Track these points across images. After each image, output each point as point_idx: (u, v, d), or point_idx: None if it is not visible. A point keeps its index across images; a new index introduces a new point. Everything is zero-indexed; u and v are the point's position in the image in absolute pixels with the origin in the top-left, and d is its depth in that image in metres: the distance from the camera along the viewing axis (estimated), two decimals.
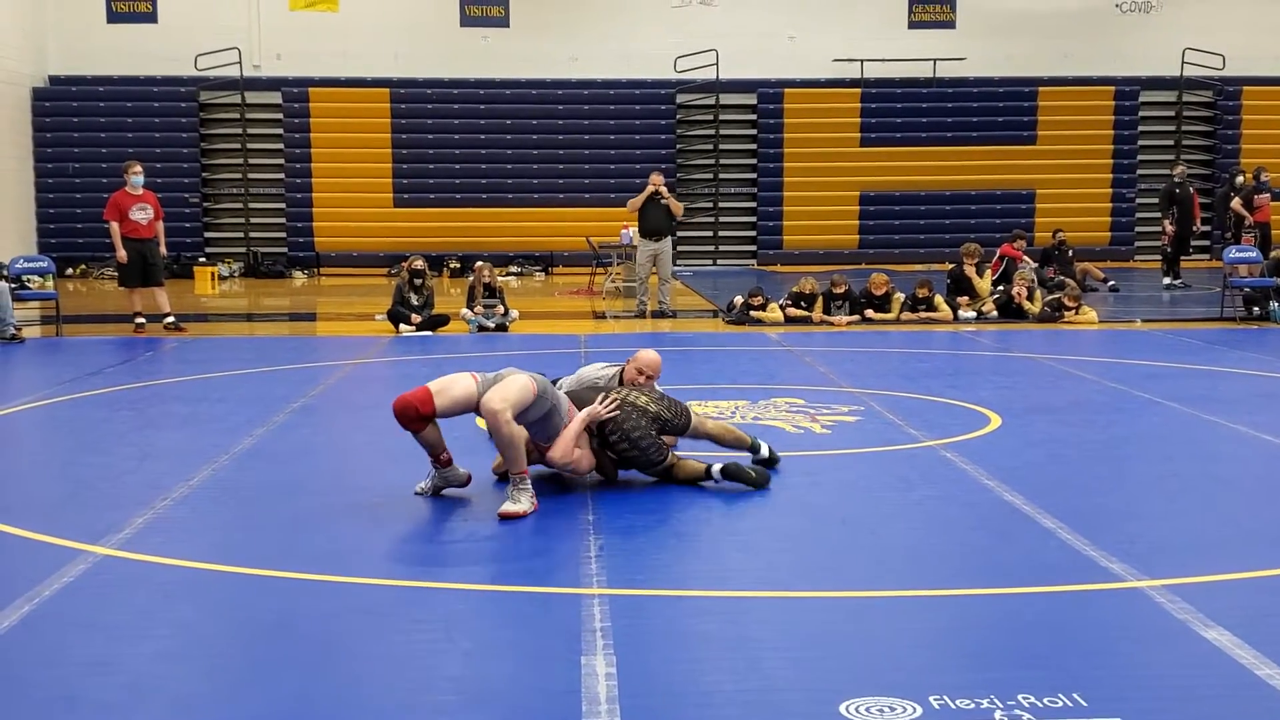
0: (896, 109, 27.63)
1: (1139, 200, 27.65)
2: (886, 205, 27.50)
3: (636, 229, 17.37)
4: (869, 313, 16.10)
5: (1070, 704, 3.98)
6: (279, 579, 5.40)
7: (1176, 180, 21.70)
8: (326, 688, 4.24)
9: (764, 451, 7.35)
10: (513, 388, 6.47)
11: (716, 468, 6.88)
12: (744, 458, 7.18)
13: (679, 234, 25.85)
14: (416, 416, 6.56)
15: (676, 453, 7.13)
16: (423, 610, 5.00)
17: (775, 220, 27.62)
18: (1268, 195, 21.09)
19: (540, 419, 6.63)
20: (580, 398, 7.04)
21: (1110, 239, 27.58)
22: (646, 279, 17.31)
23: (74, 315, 16.73)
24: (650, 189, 16.86)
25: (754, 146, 27.97)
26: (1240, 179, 21.53)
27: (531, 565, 5.71)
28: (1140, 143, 28.07)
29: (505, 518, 6.30)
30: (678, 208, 17.36)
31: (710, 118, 28.08)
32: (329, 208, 26.92)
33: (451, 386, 6.63)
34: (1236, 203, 20.98)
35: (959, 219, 27.02)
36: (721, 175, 28.17)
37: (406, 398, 6.58)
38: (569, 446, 6.70)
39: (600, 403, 6.82)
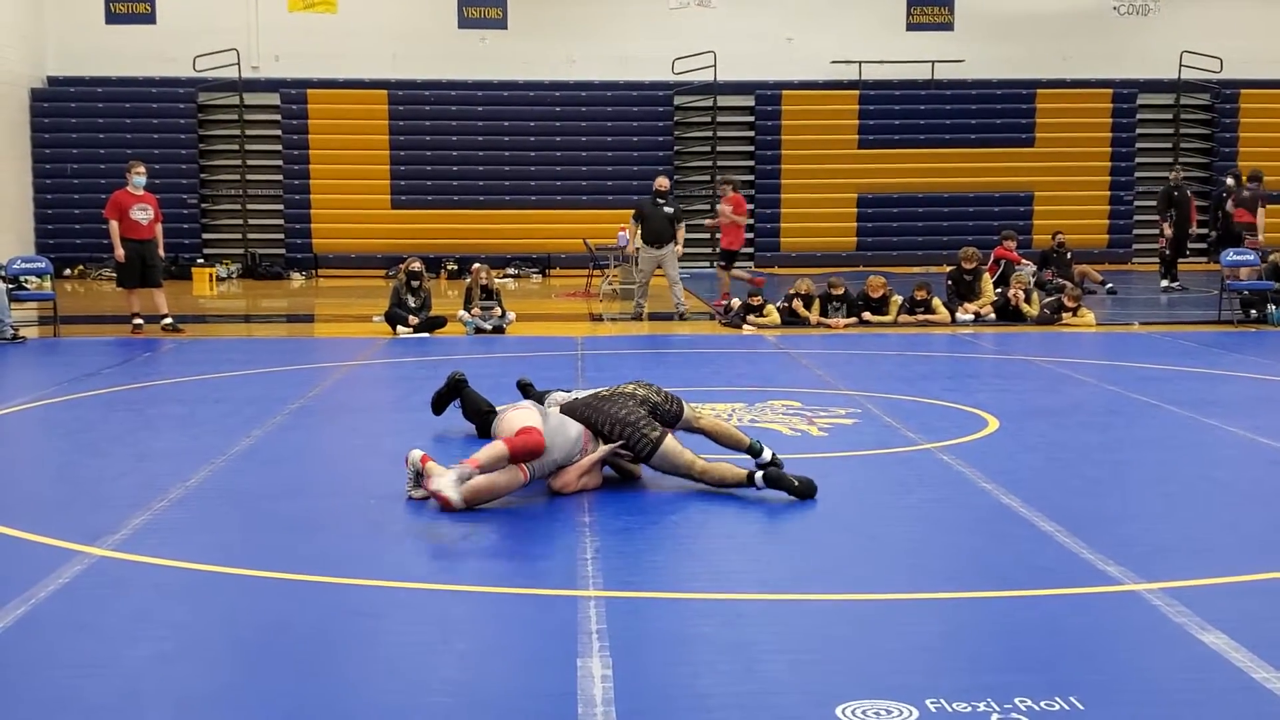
0: (894, 111, 27.63)
1: (1136, 203, 27.67)
2: (884, 207, 27.51)
3: (639, 233, 17.19)
4: (866, 315, 16.09)
5: (1067, 707, 3.97)
6: (275, 580, 5.40)
7: (1174, 183, 21.71)
8: (322, 690, 4.23)
9: (766, 455, 7.19)
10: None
11: (759, 475, 6.70)
12: (744, 459, 7.15)
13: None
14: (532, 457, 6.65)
15: (711, 457, 7.01)
16: (419, 612, 5.00)
17: (773, 222, 27.61)
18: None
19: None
20: (585, 407, 7.03)
21: (1108, 241, 27.59)
22: (646, 283, 17.26)
23: (72, 316, 16.70)
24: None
25: (751, 148, 27.98)
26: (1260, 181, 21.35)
27: (528, 567, 5.71)
28: (1138, 145, 28.08)
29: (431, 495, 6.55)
30: (680, 235, 17.26)
31: (708, 120, 28.08)
32: (327, 209, 26.92)
33: (552, 440, 6.71)
34: (1230, 204, 20.98)
35: (957, 221, 27.04)
36: (719, 177, 28.14)
37: (531, 446, 6.57)
38: (573, 479, 6.79)
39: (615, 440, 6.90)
